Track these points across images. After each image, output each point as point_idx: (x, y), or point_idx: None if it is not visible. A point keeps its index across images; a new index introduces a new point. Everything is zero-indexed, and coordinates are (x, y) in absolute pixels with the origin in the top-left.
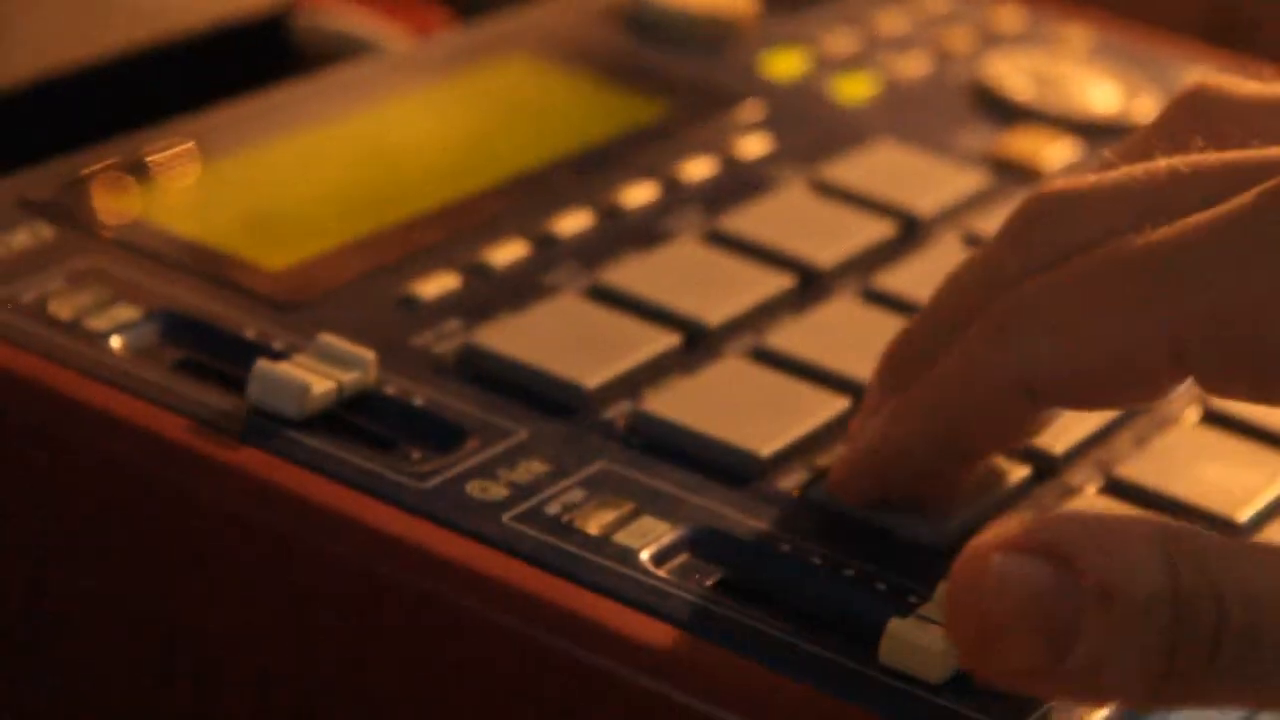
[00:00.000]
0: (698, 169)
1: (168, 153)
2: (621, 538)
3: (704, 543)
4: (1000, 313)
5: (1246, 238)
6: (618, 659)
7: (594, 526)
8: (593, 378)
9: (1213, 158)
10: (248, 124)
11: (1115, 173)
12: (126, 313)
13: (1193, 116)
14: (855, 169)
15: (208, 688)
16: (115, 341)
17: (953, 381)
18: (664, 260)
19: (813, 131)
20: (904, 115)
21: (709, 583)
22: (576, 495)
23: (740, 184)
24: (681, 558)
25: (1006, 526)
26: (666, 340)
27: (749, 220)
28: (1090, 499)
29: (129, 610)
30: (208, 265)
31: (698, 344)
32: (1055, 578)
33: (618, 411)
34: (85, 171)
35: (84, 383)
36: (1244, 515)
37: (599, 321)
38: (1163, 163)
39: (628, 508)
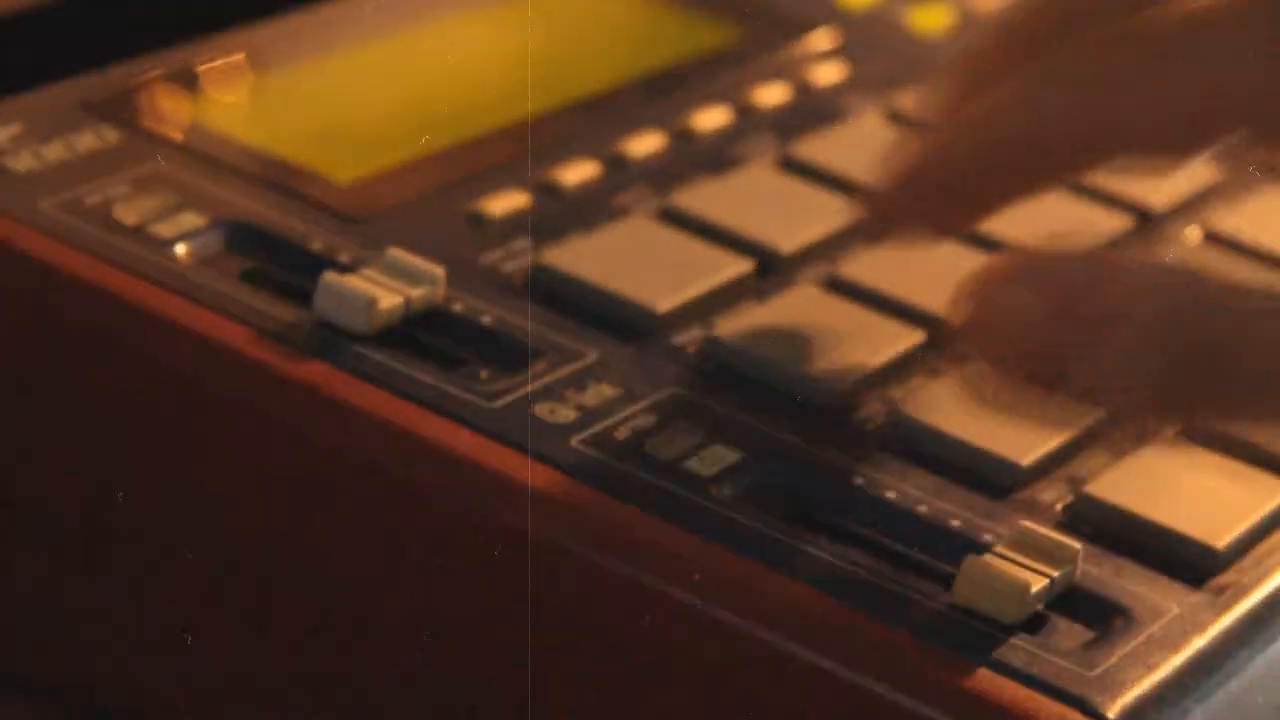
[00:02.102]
0: (771, 95)
1: (226, 62)
2: (692, 465)
3: (776, 473)
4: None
5: None
6: (686, 588)
7: (665, 452)
8: (664, 301)
9: None
10: (311, 36)
11: None
12: (192, 220)
13: None
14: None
15: (266, 599)
16: (180, 249)
17: (990, 121)
18: (737, 185)
19: (887, 61)
20: None
21: (780, 514)
22: (646, 420)
23: (813, 111)
24: (753, 486)
25: (1008, 257)
26: (739, 266)
27: (823, 148)
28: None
29: (188, 519)
30: (275, 175)
31: (770, 271)
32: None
33: (689, 337)
34: (149, 76)
35: (148, 289)
36: (1223, 542)
37: (670, 245)
38: None
39: (698, 434)
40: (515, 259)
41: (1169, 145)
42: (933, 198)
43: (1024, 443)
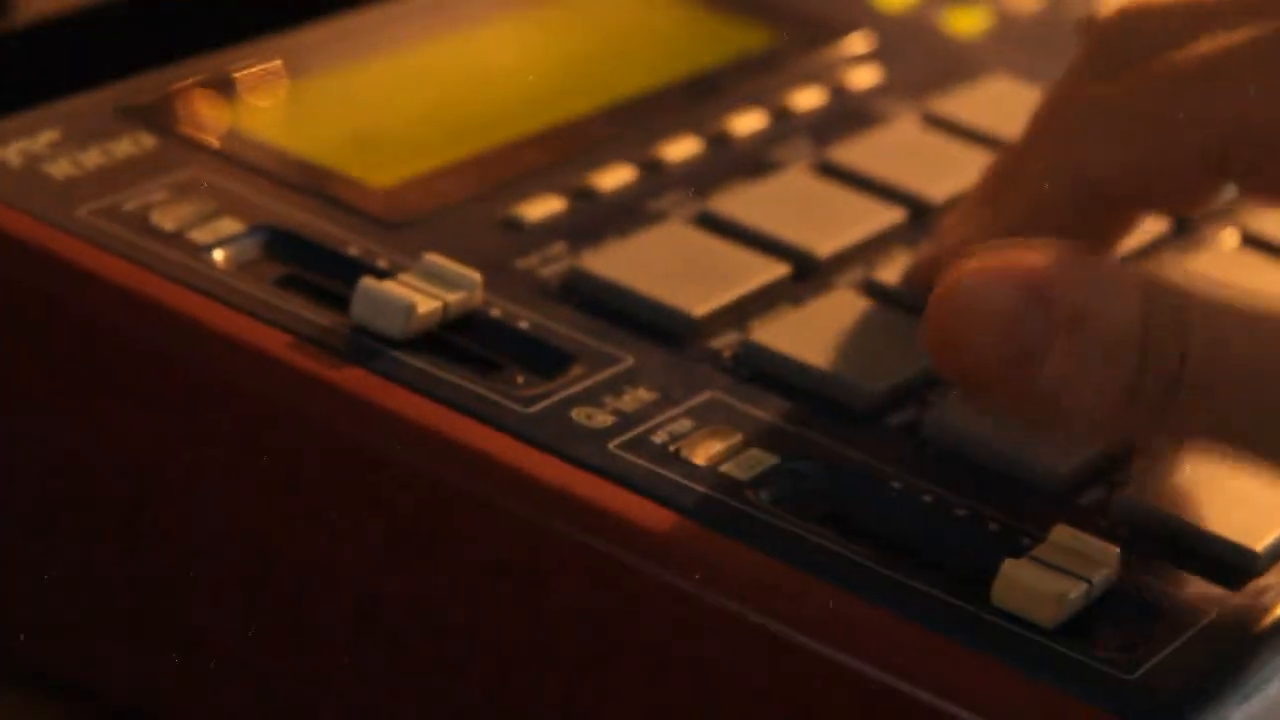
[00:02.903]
0: (807, 99)
1: (262, 68)
2: (728, 469)
3: (811, 477)
4: (1064, 118)
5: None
6: (724, 592)
7: (700, 457)
8: (701, 306)
9: None
10: (347, 41)
11: None
12: (230, 226)
13: None
14: (968, 103)
15: (302, 605)
16: (218, 255)
17: (1028, 182)
18: (773, 190)
19: (924, 64)
20: (1017, 50)
21: (816, 518)
22: (683, 425)
23: (850, 115)
24: (790, 491)
25: (987, 255)
26: (775, 270)
27: (859, 152)
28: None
29: (223, 524)
30: (312, 181)
31: (807, 275)
32: (1025, 302)
33: (725, 341)
34: (185, 83)
35: (186, 295)
36: (1262, 544)
37: (707, 249)
38: None
39: (735, 439)
40: (552, 264)
41: (1187, 193)
42: None
43: (1063, 448)
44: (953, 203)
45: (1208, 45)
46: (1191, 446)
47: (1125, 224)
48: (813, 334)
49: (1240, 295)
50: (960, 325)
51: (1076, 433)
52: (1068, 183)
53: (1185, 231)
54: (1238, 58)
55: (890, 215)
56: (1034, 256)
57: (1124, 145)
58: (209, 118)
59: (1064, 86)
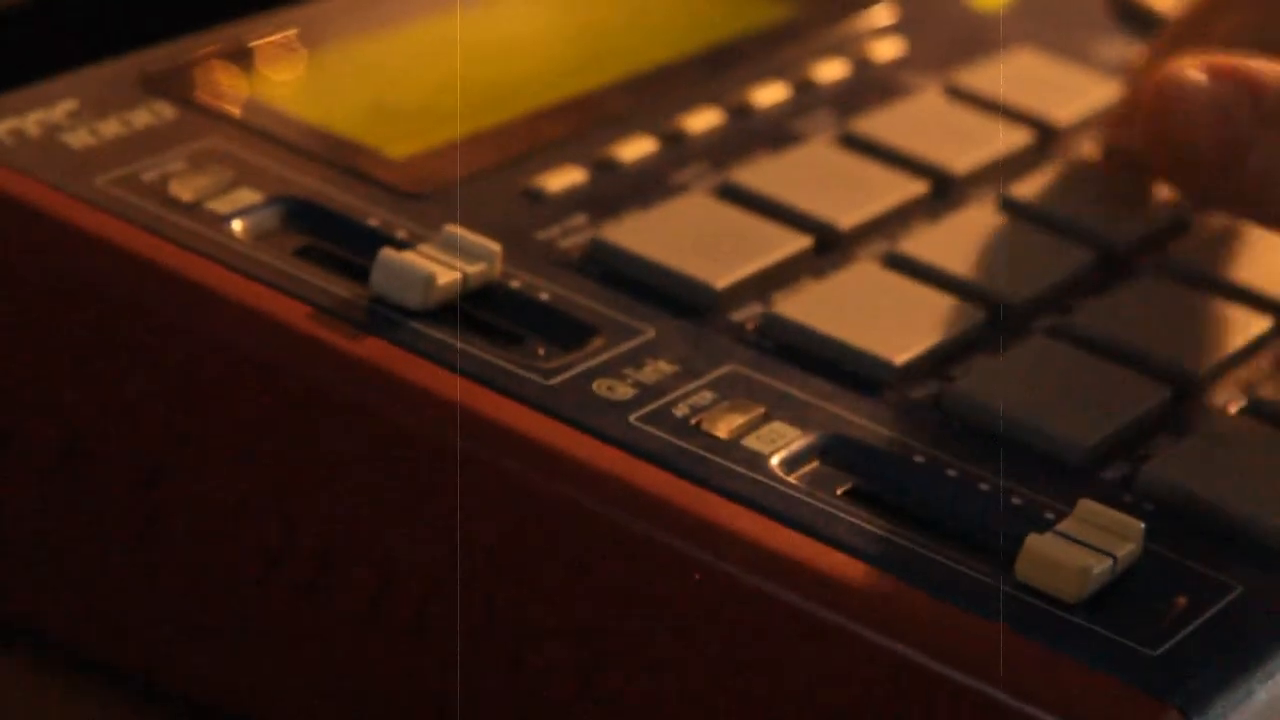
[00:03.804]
0: (830, 71)
1: (281, 38)
2: (750, 442)
3: (835, 450)
4: None
5: None
6: (744, 565)
7: (723, 430)
8: (723, 278)
9: None
10: (366, 10)
11: None
12: (248, 196)
13: None
14: (991, 76)
15: (323, 576)
16: (237, 225)
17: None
18: (795, 161)
19: (947, 36)
20: (1041, 23)
21: (839, 491)
22: (705, 397)
23: (872, 87)
24: (812, 465)
25: (1207, 54)
26: (797, 242)
27: (882, 124)
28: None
29: (243, 496)
30: (331, 151)
31: (829, 247)
32: (1238, 96)
33: (747, 313)
34: (204, 52)
35: (205, 266)
36: None
37: (729, 221)
38: None
39: (757, 412)
40: (572, 235)
41: None
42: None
43: (1087, 421)
44: (975, 177)
45: None
46: None
47: None
48: (835, 306)
49: None
50: (1177, 112)
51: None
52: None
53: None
54: None
55: (913, 187)
56: (1246, 58)
57: None
58: (228, 87)
59: None
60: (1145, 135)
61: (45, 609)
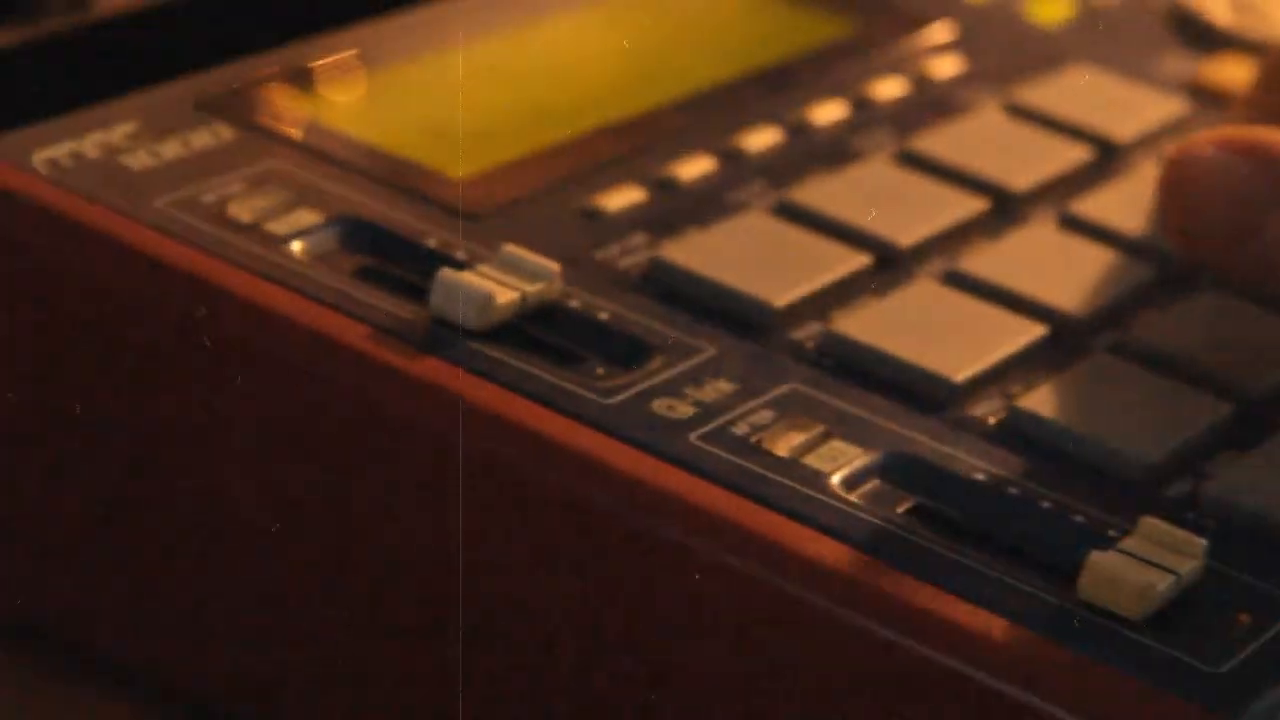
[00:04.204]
0: (888, 89)
1: (339, 60)
2: (811, 460)
3: (896, 469)
4: None
5: None
6: (807, 584)
7: (783, 448)
8: (782, 296)
9: None
10: (424, 32)
11: None
12: (307, 217)
13: None
14: (1051, 93)
15: (381, 596)
16: (296, 246)
17: None
18: (854, 179)
19: (1006, 53)
20: (1100, 39)
21: (901, 510)
22: (765, 416)
23: (931, 105)
24: (872, 483)
25: (1222, 129)
26: (857, 260)
27: (941, 142)
28: None
29: (303, 515)
30: (389, 172)
31: (889, 265)
32: (1252, 172)
33: (807, 332)
34: (261, 74)
35: (264, 287)
36: None
37: (788, 240)
38: None
39: (817, 430)
40: (631, 254)
41: None
42: None
43: (1149, 438)
44: (1036, 194)
45: None
46: None
47: None
48: (894, 324)
49: None
50: (1190, 189)
51: None
52: None
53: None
54: None
55: (973, 204)
56: (1264, 131)
57: None
58: (286, 109)
59: None
60: (1160, 208)
61: (54, 607)
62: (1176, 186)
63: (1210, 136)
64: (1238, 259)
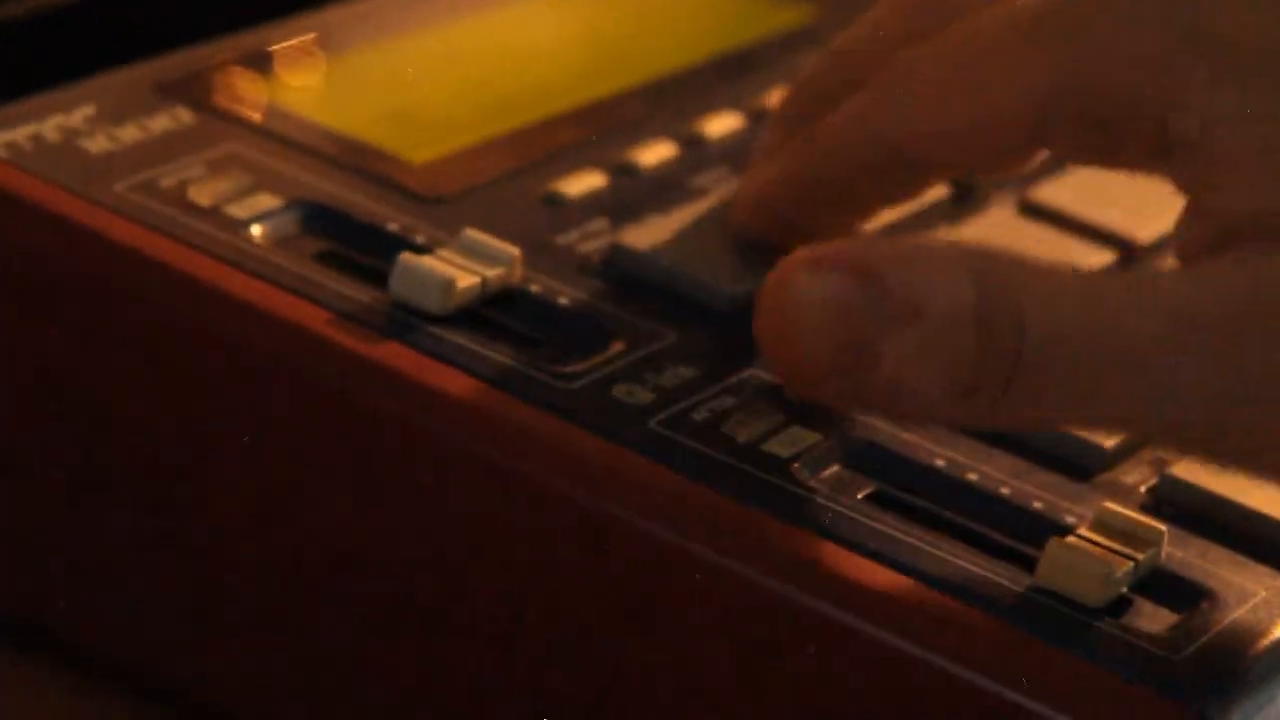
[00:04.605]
0: None
1: (299, 43)
2: (771, 447)
3: (856, 455)
4: (878, 78)
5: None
6: (766, 570)
7: (743, 434)
8: (741, 283)
9: None
10: (384, 16)
11: None
12: (267, 201)
13: None
14: None
15: (340, 579)
16: (256, 230)
17: (836, 137)
18: None
19: None
20: None
21: (861, 495)
22: (725, 402)
23: None
24: (833, 469)
25: (819, 246)
26: None
27: None
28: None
29: (262, 499)
30: (349, 156)
31: None
32: (859, 292)
33: None
34: (221, 58)
35: (224, 271)
36: None
37: None
38: None
39: (778, 417)
40: (592, 240)
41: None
42: (804, 207)
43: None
44: (998, 184)
45: (1020, 3)
46: (1032, 426)
47: (924, 185)
48: None
49: (1070, 268)
50: (792, 318)
51: (912, 421)
52: (879, 142)
53: (964, 199)
54: (1054, 18)
55: (932, 193)
56: (865, 246)
57: (936, 113)
58: (246, 93)
59: (867, 36)
60: (760, 339)
61: (55, 609)
62: (778, 326)
63: (805, 257)
64: (852, 391)
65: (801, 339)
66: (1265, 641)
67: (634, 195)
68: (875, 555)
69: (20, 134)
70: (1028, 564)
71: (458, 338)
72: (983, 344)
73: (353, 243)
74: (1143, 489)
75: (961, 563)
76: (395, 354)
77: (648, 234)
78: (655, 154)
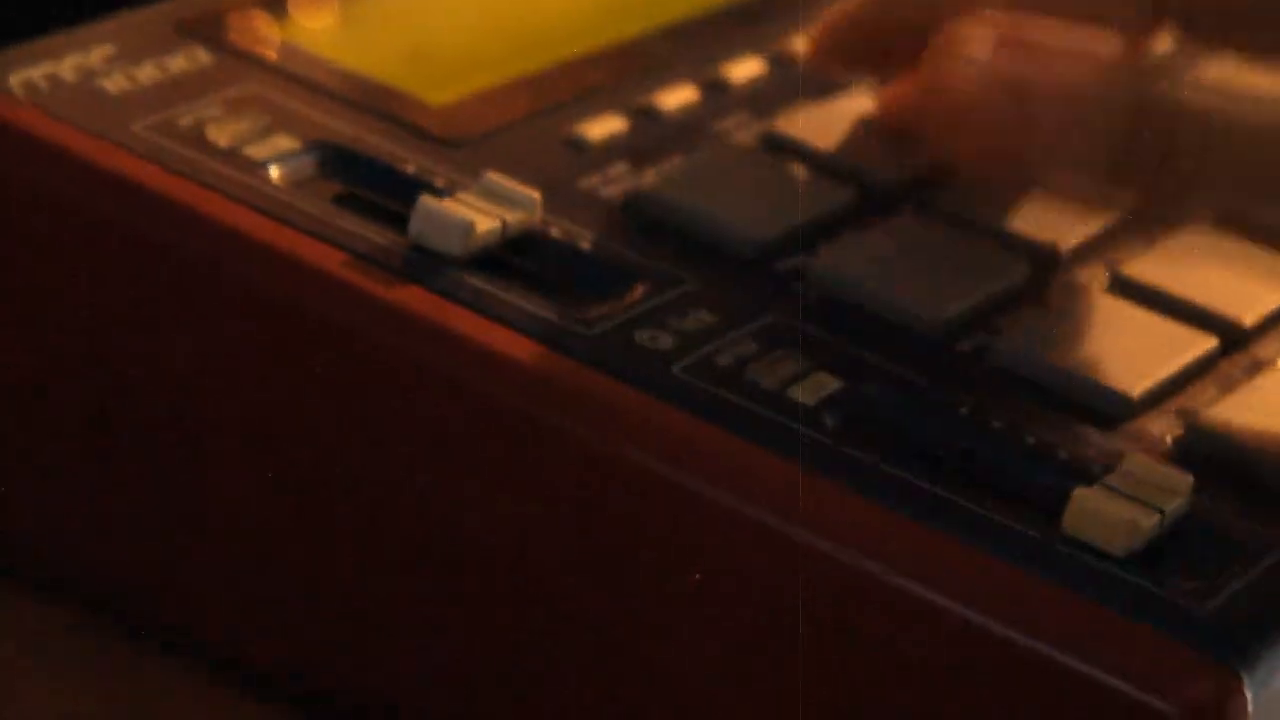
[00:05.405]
0: None
1: None
2: (793, 393)
3: (878, 402)
4: None
5: None
6: (788, 518)
7: (766, 380)
8: (765, 229)
9: None
10: None
11: None
12: (286, 142)
13: None
14: None
15: (358, 524)
16: (274, 171)
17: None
18: (839, 112)
19: None
20: None
21: (883, 444)
22: (748, 347)
23: None
24: (855, 417)
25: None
26: (841, 194)
27: None
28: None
29: (282, 442)
30: (369, 97)
31: (871, 201)
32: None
33: (790, 264)
34: None
35: (242, 212)
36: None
37: (771, 171)
38: None
39: (799, 362)
40: (613, 184)
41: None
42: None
43: (1134, 373)
44: None
45: None
46: (1183, 213)
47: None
48: (877, 259)
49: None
50: (959, 104)
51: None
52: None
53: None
54: None
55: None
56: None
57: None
58: (265, 33)
59: None
60: (928, 129)
61: (74, 565)
62: (943, 106)
63: (969, 35)
64: (1015, 170)
65: (969, 125)
66: None
67: (656, 139)
68: (896, 504)
69: (37, 73)
70: (1054, 514)
71: (477, 281)
72: (1137, 126)
73: (372, 185)
74: (1168, 439)
75: (985, 512)
76: (414, 297)
77: (669, 179)
78: (677, 98)
